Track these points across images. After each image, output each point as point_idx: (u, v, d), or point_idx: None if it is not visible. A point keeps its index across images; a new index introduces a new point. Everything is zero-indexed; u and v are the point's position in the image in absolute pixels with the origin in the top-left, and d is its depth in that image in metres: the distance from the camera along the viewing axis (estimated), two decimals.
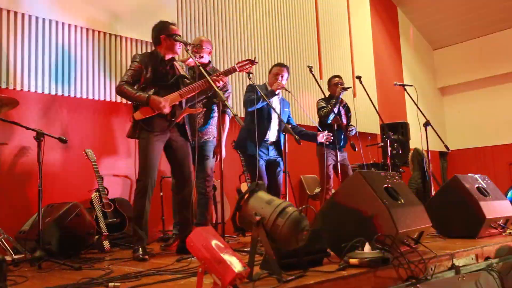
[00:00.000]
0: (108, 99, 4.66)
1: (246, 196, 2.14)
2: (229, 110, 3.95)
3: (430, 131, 4.54)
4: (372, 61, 8.61)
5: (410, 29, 10.01)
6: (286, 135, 3.90)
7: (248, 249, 2.32)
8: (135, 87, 3.26)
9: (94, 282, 2.20)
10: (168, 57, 3.41)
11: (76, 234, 3.40)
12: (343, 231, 2.51)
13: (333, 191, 4.63)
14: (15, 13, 4.11)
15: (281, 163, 4.14)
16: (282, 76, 4.15)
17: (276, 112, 3.93)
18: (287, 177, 4.12)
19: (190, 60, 3.93)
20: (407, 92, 4.90)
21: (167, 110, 3.22)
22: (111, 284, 2.09)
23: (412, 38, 10.11)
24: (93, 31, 4.65)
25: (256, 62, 3.53)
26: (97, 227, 3.75)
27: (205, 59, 3.98)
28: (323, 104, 4.75)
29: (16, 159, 4.05)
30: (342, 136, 4.73)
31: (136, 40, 4.95)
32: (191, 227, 3.37)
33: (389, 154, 4.74)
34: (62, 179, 4.27)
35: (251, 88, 4.00)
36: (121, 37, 4.85)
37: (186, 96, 3.33)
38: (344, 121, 4.95)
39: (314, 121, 4.90)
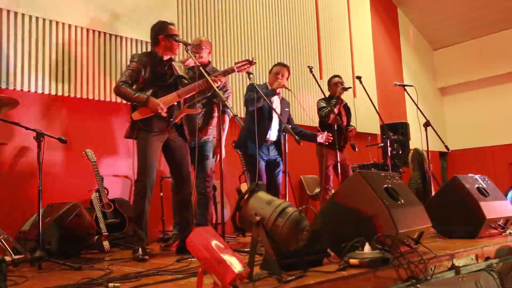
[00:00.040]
0: (108, 99, 4.66)
1: (246, 196, 2.14)
2: (229, 110, 3.95)
3: (430, 131, 4.54)
4: (372, 61, 8.61)
5: (410, 29, 10.02)
6: (286, 135, 3.90)
7: (248, 249, 2.32)
8: (133, 88, 3.26)
9: (94, 283, 2.20)
10: (166, 57, 3.41)
11: (76, 234, 3.40)
12: (343, 231, 2.50)
13: (333, 191, 4.63)
14: (15, 13, 4.11)
15: (281, 163, 4.14)
16: (282, 76, 4.15)
17: (276, 112, 3.93)
18: (287, 177, 4.12)
19: (190, 60, 3.92)
20: (407, 92, 4.90)
21: (164, 114, 3.22)
22: (111, 284, 2.09)
23: (412, 38, 10.11)
24: (93, 31, 4.65)
25: (254, 63, 3.53)
26: (97, 227, 3.75)
27: (205, 59, 3.98)
28: (323, 104, 4.74)
29: (16, 159, 4.05)
30: (343, 136, 4.73)
31: (136, 40, 4.95)
32: (191, 227, 3.36)
33: (389, 154, 4.74)
34: (62, 179, 4.27)
35: (251, 88, 4.00)
36: (121, 37, 4.85)
37: (184, 97, 3.33)
38: (344, 121, 4.95)
39: (314, 121, 4.89)
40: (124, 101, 4.58)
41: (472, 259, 2.76)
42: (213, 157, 3.90)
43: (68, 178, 4.32)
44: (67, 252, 3.27)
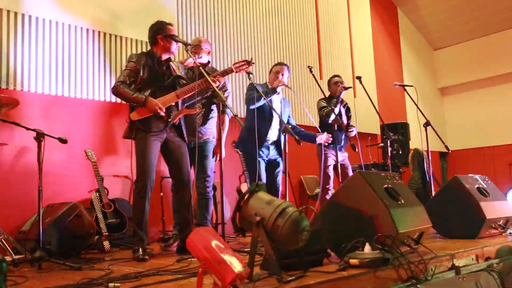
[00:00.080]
0: (108, 99, 4.66)
1: (246, 197, 2.14)
2: (229, 110, 3.95)
3: (430, 131, 4.54)
4: (372, 62, 8.61)
5: None
6: (287, 135, 3.90)
7: (248, 249, 2.32)
8: (131, 88, 3.25)
9: (94, 283, 2.20)
10: (164, 57, 3.40)
11: (76, 235, 3.40)
12: (343, 232, 2.50)
13: (333, 191, 4.63)
14: (15, 13, 4.11)
15: (281, 163, 4.14)
16: (282, 75, 4.15)
17: (276, 112, 3.92)
18: (287, 178, 4.12)
19: (189, 60, 3.92)
20: (407, 92, 4.90)
21: (163, 113, 3.22)
22: (111, 284, 2.09)
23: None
24: (93, 31, 4.65)
25: (253, 63, 3.53)
26: (97, 227, 3.75)
27: (204, 59, 3.98)
28: (324, 103, 4.74)
29: (16, 159, 4.05)
30: (343, 136, 4.73)
31: (136, 40, 4.95)
32: (191, 227, 3.36)
33: (389, 154, 4.74)
34: (62, 180, 4.27)
35: (251, 87, 4.00)
36: (121, 37, 4.86)
37: (183, 97, 3.32)
38: (345, 121, 4.94)
39: (314, 121, 4.89)
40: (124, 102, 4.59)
41: (472, 259, 2.76)
42: (213, 157, 3.90)
43: (68, 178, 4.32)
44: (67, 252, 3.27)
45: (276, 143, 4.13)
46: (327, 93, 4.89)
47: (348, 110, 5.08)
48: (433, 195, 4.51)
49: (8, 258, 3.08)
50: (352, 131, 4.81)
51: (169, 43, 3.35)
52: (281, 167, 4.15)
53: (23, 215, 3.86)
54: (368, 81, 7.74)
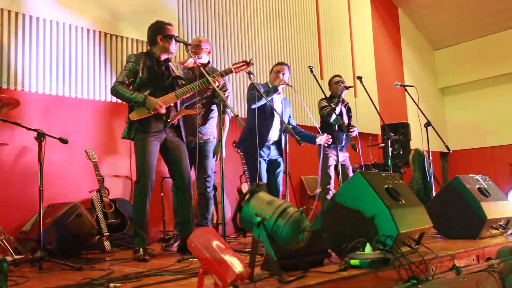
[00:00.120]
0: (109, 99, 4.66)
1: (247, 197, 2.14)
2: (229, 110, 3.95)
3: (431, 132, 4.53)
4: (373, 62, 8.61)
5: None
6: (287, 135, 3.90)
7: (249, 249, 2.32)
8: (130, 88, 3.25)
9: (95, 283, 2.20)
10: (163, 57, 3.40)
11: (77, 235, 3.40)
12: (344, 232, 2.50)
13: (333, 191, 4.63)
14: (16, 13, 4.12)
15: (282, 163, 4.13)
16: (283, 74, 4.14)
17: (277, 112, 3.92)
18: (287, 178, 4.12)
19: (189, 61, 3.92)
20: (408, 92, 4.89)
21: (163, 110, 3.21)
22: (112, 284, 2.09)
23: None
24: (94, 31, 4.66)
25: (252, 64, 3.52)
26: (97, 227, 3.75)
27: (204, 59, 3.97)
28: (325, 103, 4.73)
29: (17, 159, 4.05)
30: (344, 136, 4.72)
31: (137, 40, 4.95)
32: (191, 227, 3.37)
33: (390, 154, 4.73)
34: (63, 180, 4.28)
35: (252, 87, 4.00)
36: (122, 37, 4.86)
37: (182, 97, 3.32)
38: (346, 121, 4.94)
39: (314, 121, 4.88)
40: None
41: (473, 259, 2.76)
42: (213, 157, 3.90)
43: (69, 178, 4.32)
44: (68, 252, 3.27)
45: (277, 143, 4.12)
46: (328, 93, 4.88)
47: (349, 110, 5.07)
48: (433, 195, 4.51)
49: (9, 258, 3.08)
50: (353, 131, 4.81)
51: (168, 43, 3.35)
52: (281, 167, 4.14)
53: (24, 215, 3.86)
54: (368, 81, 7.74)
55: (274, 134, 4.09)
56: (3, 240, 3.24)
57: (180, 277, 2.27)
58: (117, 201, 4.24)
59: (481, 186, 3.66)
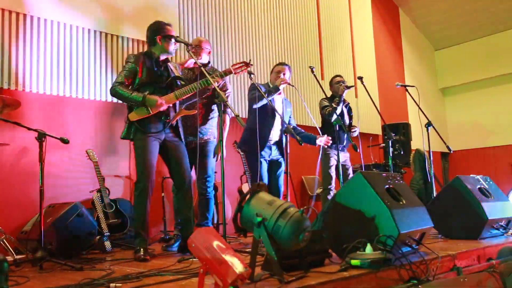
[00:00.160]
0: (110, 99, 4.66)
1: (247, 197, 2.14)
2: (229, 110, 3.95)
3: (431, 132, 4.53)
4: (374, 62, 8.60)
5: None
6: (288, 135, 3.90)
7: (250, 249, 2.32)
8: (129, 88, 3.25)
9: (96, 283, 2.20)
10: (162, 57, 3.39)
11: (78, 235, 3.40)
12: (344, 232, 2.51)
13: (334, 191, 4.63)
14: (17, 13, 4.12)
15: (283, 163, 4.13)
16: (284, 74, 4.14)
17: (278, 113, 3.92)
18: (288, 178, 4.12)
19: (189, 62, 3.92)
20: (408, 92, 4.89)
21: (164, 107, 3.21)
22: (112, 284, 2.10)
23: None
24: (95, 31, 4.65)
25: (251, 65, 3.52)
26: (98, 227, 3.75)
27: (204, 59, 3.97)
28: (326, 103, 4.73)
29: (17, 159, 4.05)
30: (345, 136, 4.72)
31: (138, 40, 4.95)
32: (192, 226, 3.37)
33: (391, 154, 4.73)
34: (64, 180, 4.28)
35: (253, 87, 4.00)
36: (122, 37, 4.86)
37: (181, 98, 3.32)
38: (347, 121, 4.94)
39: (315, 121, 4.88)
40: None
41: (474, 260, 2.76)
42: (214, 157, 3.90)
43: (70, 178, 4.32)
44: (68, 252, 3.27)
45: (278, 143, 4.12)
46: (329, 93, 4.88)
47: (350, 110, 5.07)
48: (434, 195, 4.51)
49: (9, 258, 3.08)
50: (354, 131, 4.81)
51: (167, 44, 3.35)
52: (283, 168, 4.14)
53: (25, 215, 3.86)
54: (369, 81, 7.75)
55: (275, 134, 4.09)
56: (4, 240, 3.24)
57: (180, 277, 2.27)
58: (117, 201, 4.24)
59: (482, 186, 3.66)
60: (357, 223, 2.50)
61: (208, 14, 5.68)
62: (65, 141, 3.15)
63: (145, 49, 4.90)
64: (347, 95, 4.85)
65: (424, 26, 10.20)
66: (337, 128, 4.35)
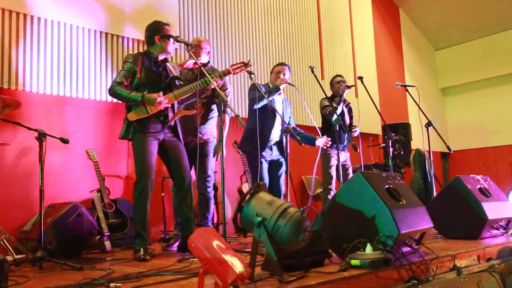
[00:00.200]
0: (110, 99, 4.66)
1: (247, 197, 2.14)
2: (229, 110, 3.95)
3: (432, 132, 4.53)
4: (374, 62, 8.60)
5: None
6: (288, 135, 3.90)
7: (250, 249, 2.32)
8: (128, 88, 3.25)
9: (96, 283, 2.20)
10: (161, 57, 3.39)
11: (77, 235, 3.40)
12: (344, 232, 2.50)
13: (335, 191, 4.63)
14: (17, 13, 4.12)
15: (284, 163, 4.13)
16: (284, 75, 4.15)
17: (278, 113, 3.92)
18: (288, 178, 4.12)
19: (188, 63, 3.93)
20: (408, 92, 4.89)
21: (164, 104, 3.20)
22: (112, 284, 2.10)
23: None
24: (95, 31, 4.65)
25: (250, 65, 3.52)
26: (98, 227, 3.75)
27: (204, 59, 3.98)
28: (326, 103, 4.73)
29: (18, 159, 4.05)
30: (346, 136, 4.72)
31: (138, 40, 4.95)
32: (192, 225, 3.37)
33: (391, 154, 4.73)
34: (64, 179, 4.28)
35: (253, 87, 4.00)
36: (123, 37, 4.86)
37: (180, 98, 3.31)
38: (347, 120, 4.94)
39: (315, 122, 4.88)
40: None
41: (474, 260, 2.75)
42: (213, 156, 3.90)
43: (70, 178, 4.33)
44: (68, 252, 3.27)
45: (279, 144, 4.12)
46: (329, 93, 4.88)
47: (350, 110, 5.07)
48: (434, 195, 4.50)
49: (9, 258, 3.08)
50: (355, 131, 4.81)
51: (166, 43, 3.34)
52: (284, 168, 4.14)
53: (25, 215, 3.86)
54: (369, 81, 7.75)
55: (275, 134, 4.10)
56: (4, 240, 3.24)
57: (180, 277, 2.27)
58: (117, 201, 4.24)
59: (482, 186, 3.66)
60: (357, 223, 2.50)
61: (208, 14, 5.68)
62: (65, 141, 3.15)
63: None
64: (347, 95, 4.85)
65: (424, 26, 10.19)
66: (337, 128, 4.35)
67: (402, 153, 6.25)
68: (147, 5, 5.04)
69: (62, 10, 4.40)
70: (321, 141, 4.30)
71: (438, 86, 10.69)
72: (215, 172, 4.07)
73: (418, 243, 2.65)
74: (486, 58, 9.81)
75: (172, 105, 3.35)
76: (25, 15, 4.17)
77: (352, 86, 4.75)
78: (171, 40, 3.36)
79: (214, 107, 3.96)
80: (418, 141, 6.32)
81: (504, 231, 3.52)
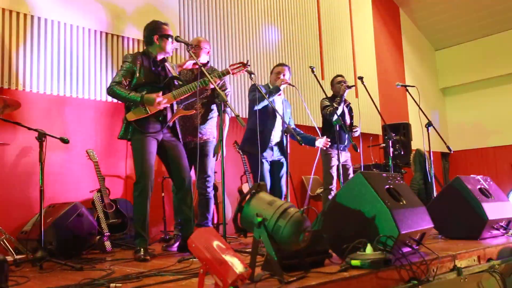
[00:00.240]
0: (110, 100, 4.66)
1: (247, 197, 2.14)
2: (229, 110, 3.95)
3: (432, 132, 4.53)
4: (374, 62, 8.60)
5: None
6: (288, 135, 3.90)
7: (250, 250, 2.32)
8: (127, 88, 3.24)
9: (96, 283, 2.20)
10: (160, 57, 3.39)
11: (78, 235, 3.40)
12: (345, 232, 2.50)
13: (335, 191, 4.62)
14: (17, 13, 4.12)
15: (285, 163, 4.13)
16: (284, 75, 4.15)
17: (279, 113, 3.92)
18: (288, 178, 4.12)
19: (187, 64, 3.93)
20: (409, 92, 4.89)
21: (164, 104, 3.20)
22: (112, 284, 2.10)
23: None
24: (96, 31, 4.65)
25: (249, 65, 3.52)
26: (98, 227, 3.75)
27: (204, 59, 3.98)
28: (327, 103, 4.73)
29: (18, 159, 4.05)
30: (346, 136, 4.72)
31: (139, 40, 4.95)
32: (192, 225, 3.37)
33: (391, 155, 4.73)
34: (64, 180, 4.28)
35: (253, 88, 4.00)
36: (123, 37, 4.86)
37: (179, 98, 3.31)
38: (348, 121, 4.94)
39: (315, 122, 4.88)
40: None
41: (474, 260, 2.75)
42: (213, 156, 3.90)
43: (70, 178, 4.33)
44: (68, 252, 3.27)
45: (280, 144, 4.13)
46: (329, 94, 4.88)
47: (351, 110, 5.07)
48: (434, 195, 4.50)
49: (9, 258, 3.08)
50: (356, 131, 4.81)
51: (164, 43, 3.34)
52: (285, 168, 4.14)
53: (25, 215, 3.86)
54: (370, 81, 7.74)
55: (276, 135, 4.10)
56: (4, 240, 3.24)
57: (180, 278, 2.27)
58: (118, 201, 4.24)
59: (482, 186, 3.66)
60: (358, 223, 2.50)
61: (208, 14, 5.68)
62: (65, 141, 3.15)
63: None
64: (348, 95, 4.85)
65: (424, 26, 10.19)
66: (338, 128, 4.35)
67: (402, 153, 6.25)
68: (147, 5, 5.04)
69: (62, 10, 4.40)
70: (321, 142, 4.31)
71: (438, 86, 10.69)
72: (215, 172, 4.07)
73: (418, 244, 2.65)
74: (486, 58, 9.81)
75: (171, 105, 3.35)
76: (25, 15, 4.17)
77: (352, 86, 4.76)
78: (170, 39, 3.36)
79: (214, 107, 3.95)
80: (418, 141, 6.32)
81: (504, 231, 3.52)
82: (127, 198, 4.58)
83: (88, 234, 3.49)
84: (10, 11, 4.07)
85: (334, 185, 4.71)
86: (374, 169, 6.17)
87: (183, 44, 3.43)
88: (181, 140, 3.45)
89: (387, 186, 2.67)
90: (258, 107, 3.91)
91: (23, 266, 2.91)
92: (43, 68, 4.25)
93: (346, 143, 4.80)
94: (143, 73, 3.29)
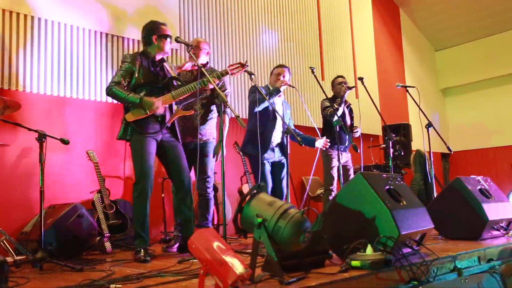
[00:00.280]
0: (110, 100, 4.66)
1: (247, 198, 2.14)
2: (229, 110, 3.95)
3: (432, 133, 4.53)
4: (374, 62, 8.60)
5: None
6: (288, 136, 3.90)
7: (250, 250, 2.32)
8: (126, 89, 3.24)
9: (96, 284, 2.20)
10: (158, 57, 3.39)
11: (78, 236, 3.40)
12: (345, 233, 2.50)
13: (336, 192, 4.63)
14: (18, 14, 4.12)
15: (286, 164, 4.12)
16: (283, 77, 4.15)
17: (279, 114, 3.93)
18: (288, 178, 4.12)
19: (187, 65, 3.93)
20: (409, 93, 4.89)
21: (161, 110, 3.21)
22: (112, 285, 2.10)
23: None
24: (96, 32, 4.66)
25: (247, 66, 3.52)
26: (98, 228, 3.75)
27: (203, 60, 3.98)
28: (327, 103, 4.73)
29: (18, 160, 4.05)
30: (347, 137, 4.72)
31: (139, 41, 4.95)
32: (192, 225, 3.36)
33: (391, 155, 4.73)
34: (64, 180, 4.28)
35: (253, 89, 4.00)
36: (123, 38, 4.86)
37: (178, 98, 3.31)
38: (348, 121, 4.94)
39: (315, 123, 4.88)
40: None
41: (474, 261, 2.75)
42: (213, 157, 3.90)
43: (70, 179, 4.33)
44: (68, 253, 3.27)
45: (280, 145, 4.13)
46: (329, 94, 4.88)
47: (351, 111, 5.08)
48: (435, 196, 4.50)
49: (9, 259, 3.08)
50: (356, 131, 4.81)
51: (163, 43, 3.34)
52: (286, 169, 4.13)
53: (25, 216, 3.86)
54: (370, 82, 7.74)
55: (277, 136, 4.10)
56: (4, 241, 3.24)
57: (181, 278, 2.27)
58: (118, 202, 4.24)
59: (483, 187, 3.66)
60: (358, 224, 2.50)
61: (208, 14, 5.68)
62: (65, 142, 3.15)
63: None
64: (348, 95, 4.86)
65: (424, 26, 10.19)
66: (338, 129, 4.35)
67: (402, 154, 6.25)
68: (147, 5, 5.04)
69: (63, 11, 4.41)
70: (321, 143, 4.31)
71: (438, 86, 10.69)
72: (215, 173, 4.07)
73: (418, 244, 2.65)
74: (486, 59, 9.81)
75: (170, 106, 3.35)
76: (26, 16, 4.17)
77: (353, 87, 4.76)
78: (168, 39, 3.37)
79: (213, 107, 3.96)
80: (418, 142, 6.32)
81: (504, 232, 3.52)
82: (127, 199, 4.58)
83: (88, 235, 3.49)
84: (11, 12, 4.07)
85: (334, 186, 4.71)
86: (374, 170, 6.17)
87: (183, 44, 3.43)
88: (180, 140, 3.44)
89: (387, 187, 2.67)
90: (258, 108, 3.91)
91: (23, 267, 2.91)
92: (44, 69, 4.25)
93: (346, 144, 4.80)
94: (142, 73, 3.28)
